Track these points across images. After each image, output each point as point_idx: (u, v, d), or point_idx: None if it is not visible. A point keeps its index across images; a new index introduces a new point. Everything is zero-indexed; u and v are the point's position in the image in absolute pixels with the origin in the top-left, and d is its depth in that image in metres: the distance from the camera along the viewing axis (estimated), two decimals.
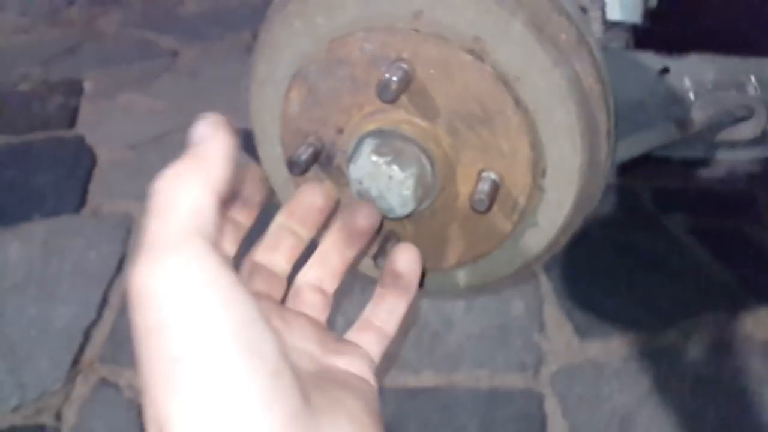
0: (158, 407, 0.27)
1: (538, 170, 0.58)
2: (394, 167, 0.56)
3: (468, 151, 0.58)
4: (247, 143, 0.69)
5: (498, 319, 1.22)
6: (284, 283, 0.54)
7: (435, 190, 0.60)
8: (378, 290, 0.55)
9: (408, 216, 0.63)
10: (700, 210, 1.48)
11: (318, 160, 0.65)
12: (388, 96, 0.54)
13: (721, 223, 1.38)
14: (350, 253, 0.56)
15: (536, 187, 0.59)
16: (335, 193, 0.68)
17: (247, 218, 0.56)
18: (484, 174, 0.58)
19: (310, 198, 0.57)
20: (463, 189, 0.61)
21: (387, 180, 0.57)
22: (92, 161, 1.79)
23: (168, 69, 2.28)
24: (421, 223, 0.65)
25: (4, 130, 1.99)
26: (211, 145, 0.34)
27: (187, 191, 0.32)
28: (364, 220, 0.54)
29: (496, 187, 0.57)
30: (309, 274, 0.54)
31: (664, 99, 0.85)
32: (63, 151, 1.85)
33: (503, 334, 1.19)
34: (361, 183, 0.58)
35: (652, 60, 0.85)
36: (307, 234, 0.57)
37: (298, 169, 0.62)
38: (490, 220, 0.61)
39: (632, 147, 0.81)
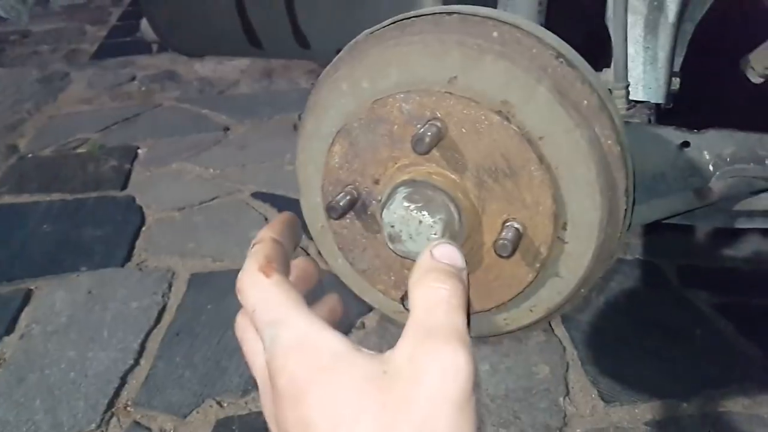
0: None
1: (559, 222, 0.62)
2: (424, 213, 0.61)
3: (493, 202, 0.63)
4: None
5: (523, 382, 1.23)
6: None
7: (461, 238, 0.65)
8: None
9: None
10: (726, 287, 1.48)
11: (354, 208, 0.70)
12: (422, 148, 0.60)
13: (747, 300, 1.38)
14: None
15: (558, 239, 0.63)
16: (366, 238, 0.73)
17: None
18: (508, 223, 0.63)
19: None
20: (488, 238, 0.65)
21: (417, 224, 0.62)
22: (141, 220, 1.89)
23: (218, 142, 2.42)
24: None
25: (60, 189, 2.12)
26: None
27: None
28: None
29: (519, 235, 0.62)
30: None
31: (683, 171, 0.89)
32: (113, 210, 1.96)
33: (528, 397, 1.20)
34: (392, 227, 0.63)
35: (672, 135, 0.90)
36: None
37: (335, 213, 0.67)
38: (513, 269, 0.65)
39: (653, 211, 0.85)
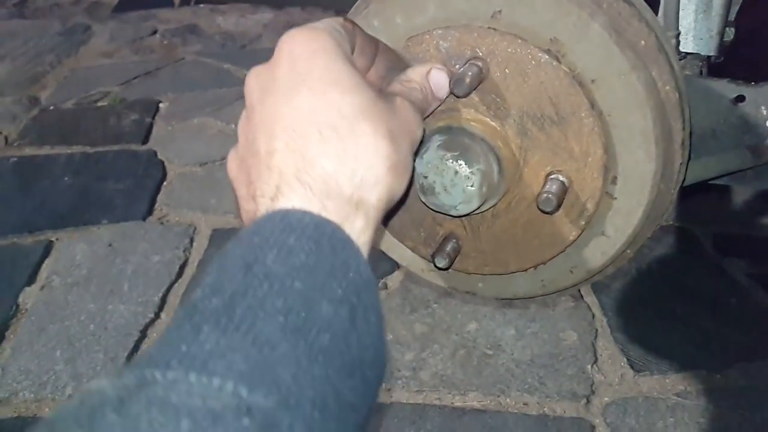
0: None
1: (609, 176, 0.57)
2: (461, 162, 0.57)
3: (537, 152, 0.58)
4: None
5: (550, 348, 1.19)
6: None
7: (500, 191, 0.60)
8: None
9: (469, 216, 0.63)
10: (764, 256, 1.42)
11: None
12: (461, 90, 0.55)
13: None
14: None
15: (606, 194, 0.58)
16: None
17: None
18: (552, 176, 0.58)
19: None
20: (529, 192, 0.61)
21: (452, 175, 0.57)
22: (162, 174, 1.87)
23: (241, 97, 2.35)
24: (483, 226, 0.64)
25: (81, 141, 2.10)
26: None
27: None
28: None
29: (564, 189, 0.57)
30: None
31: (737, 127, 0.83)
32: (134, 164, 1.94)
33: (554, 363, 1.16)
34: (425, 177, 0.59)
35: (726, 88, 0.84)
36: None
37: None
38: (555, 226, 0.61)
39: (705, 169, 0.79)
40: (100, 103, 2.38)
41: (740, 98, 0.83)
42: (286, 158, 0.43)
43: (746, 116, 0.83)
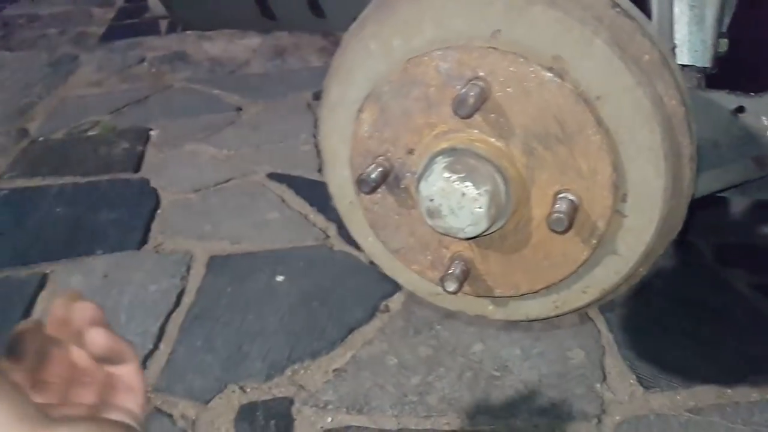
0: None
1: (619, 194, 0.56)
2: (468, 184, 0.55)
3: (544, 171, 0.57)
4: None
5: (557, 368, 1.17)
6: None
7: (508, 211, 0.59)
8: None
9: (477, 238, 0.62)
10: (764, 266, 1.42)
11: (386, 181, 0.65)
12: (464, 111, 0.54)
13: None
14: None
15: (617, 212, 0.57)
16: (400, 215, 0.67)
17: None
18: (561, 195, 0.57)
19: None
20: (537, 212, 0.59)
21: (459, 197, 0.56)
22: (156, 202, 1.85)
23: (232, 122, 2.37)
24: (491, 247, 0.63)
25: (72, 171, 2.08)
26: None
27: None
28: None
29: (574, 208, 0.56)
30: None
31: (738, 138, 0.83)
32: (128, 192, 1.92)
33: (563, 383, 1.14)
34: (431, 200, 0.57)
35: (725, 99, 0.84)
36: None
37: (367, 187, 0.62)
38: (566, 246, 0.59)
39: (709, 183, 0.78)
40: (90, 133, 2.36)
41: (740, 109, 0.83)
42: None
43: (747, 127, 0.82)
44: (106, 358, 0.48)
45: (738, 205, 1.60)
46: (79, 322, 0.48)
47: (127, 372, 0.49)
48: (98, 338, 0.47)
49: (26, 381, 0.47)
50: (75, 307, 0.49)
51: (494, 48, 0.55)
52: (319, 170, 1.98)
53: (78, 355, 0.49)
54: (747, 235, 1.55)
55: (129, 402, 0.48)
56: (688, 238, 1.52)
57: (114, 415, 0.46)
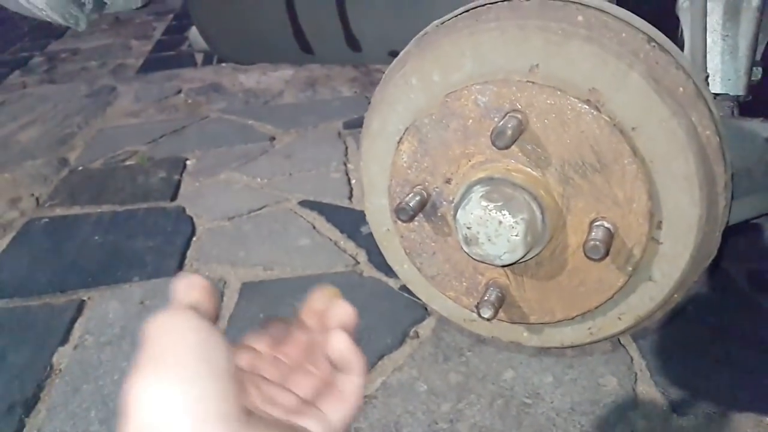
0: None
1: (654, 221, 0.57)
2: (505, 212, 0.57)
3: (580, 200, 0.58)
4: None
5: (590, 395, 1.16)
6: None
7: (544, 239, 0.60)
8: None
9: (513, 265, 0.63)
10: None
11: (423, 209, 0.66)
12: (503, 143, 0.56)
13: None
14: None
15: (652, 239, 0.58)
16: (436, 242, 0.68)
17: None
18: (597, 223, 0.58)
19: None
20: (573, 239, 0.60)
21: (496, 225, 0.57)
22: (191, 230, 1.89)
23: (265, 151, 2.43)
24: (527, 274, 0.64)
25: (110, 200, 2.14)
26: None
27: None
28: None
29: (610, 236, 0.57)
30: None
31: None
32: (164, 220, 1.97)
33: (596, 410, 1.13)
34: (469, 228, 0.59)
35: (759, 127, 0.84)
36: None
37: (405, 215, 0.64)
38: (602, 273, 0.60)
39: (743, 210, 0.79)
40: (127, 162, 2.44)
41: None
42: None
43: None
44: (338, 363, 0.48)
45: None
46: (331, 320, 0.50)
47: (350, 384, 0.49)
48: (341, 341, 0.48)
49: (265, 352, 0.50)
50: (333, 304, 0.51)
51: (532, 82, 0.57)
52: (350, 197, 2.04)
53: (315, 347, 0.50)
54: None
55: (335, 412, 0.48)
56: (721, 264, 1.51)
57: (314, 421, 0.46)
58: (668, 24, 1.00)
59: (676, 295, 0.63)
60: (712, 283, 1.47)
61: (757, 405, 1.15)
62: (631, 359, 1.25)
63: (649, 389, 1.19)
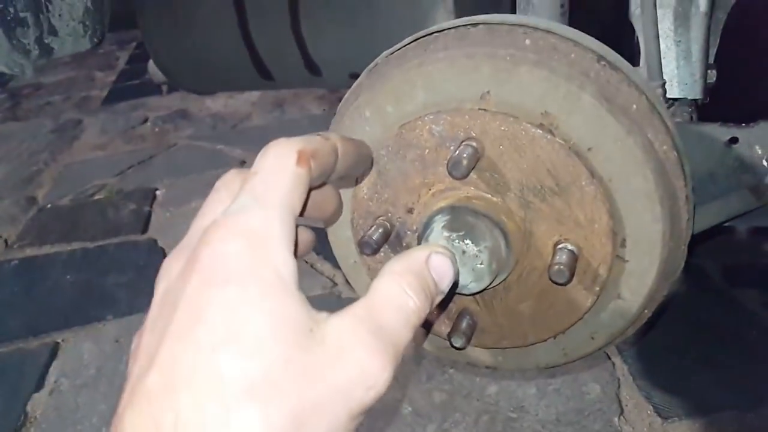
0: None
1: (617, 240, 0.57)
2: (468, 242, 0.56)
3: (542, 223, 0.58)
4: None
5: (574, 404, 1.16)
6: None
7: (509, 265, 0.60)
8: None
9: (482, 292, 0.62)
10: None
11: (388, 240, 0.65)
12: (459, 172, 0.55)
13: None
14: None
15: (617, 257, 0.57)
16: None
17: None
18: (560, 245, 0.57)
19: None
20: (539, 263, 0.60)
21: (460, 255, 0.56)
22: None
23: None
24: (496, 299, 0.63)
25: (81, 237, 2.10)
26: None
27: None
28: None
29: (574, 258, 0.56)
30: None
31: (734, 169, 0.83)
32: (136, 255, 1.93)
33: (581, 419, 1.13)
34: None
35: (718, 131, 0.85)
36: None
37: (369, 248, 0.62)
38: (570, 294, 0.60)
39: (709, 216, 0.79)
40: (96, 197, 2.40)
41: (734, 140, 0.84)
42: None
43: (742, 157, 0.83)
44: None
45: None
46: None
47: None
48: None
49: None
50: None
51: (484, 109, 0.57)
52: None
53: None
54: (755, 255, 1.54)
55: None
56: (694, 259, 1.52)
57: None
58: (626, 31, 1.01)
59: (646, 311, 0.62)
60: (688, 281, 1.48)
61: (738, 402, 1.15)
62: (613, 365, 1.25)
63: (633, 394, 1.19)
